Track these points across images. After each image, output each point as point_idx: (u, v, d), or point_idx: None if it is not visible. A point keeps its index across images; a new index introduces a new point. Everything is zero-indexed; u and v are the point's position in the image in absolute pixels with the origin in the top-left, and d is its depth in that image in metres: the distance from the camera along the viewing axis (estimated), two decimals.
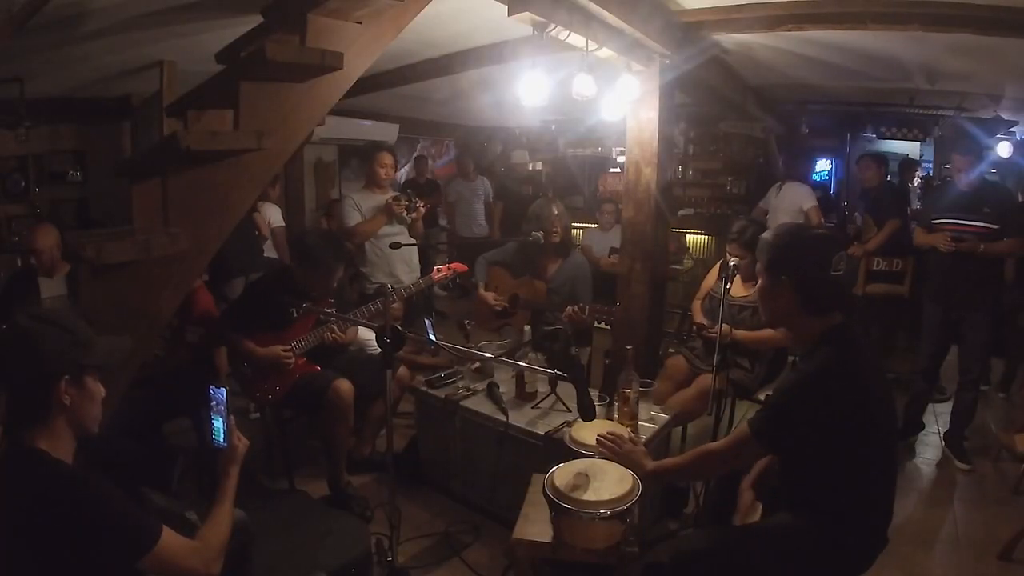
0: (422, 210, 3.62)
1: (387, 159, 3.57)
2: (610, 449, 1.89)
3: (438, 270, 3.18)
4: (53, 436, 1.25)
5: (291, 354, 2.68)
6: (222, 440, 1.53)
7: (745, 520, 1.86)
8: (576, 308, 2.91)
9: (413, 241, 3.59)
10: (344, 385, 2.68)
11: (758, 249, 1.69)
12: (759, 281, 1.69)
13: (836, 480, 1.53)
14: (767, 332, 2.86)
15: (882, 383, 1.62)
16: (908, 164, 6.30)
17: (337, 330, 2.81)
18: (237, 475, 1.51)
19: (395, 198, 3.50)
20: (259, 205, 4.53)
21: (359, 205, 3.53)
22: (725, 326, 2.65)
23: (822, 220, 4.82)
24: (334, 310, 2.81)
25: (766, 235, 1.69)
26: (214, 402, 1.55)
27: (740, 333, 2.85)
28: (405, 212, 3.53)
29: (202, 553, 1.32)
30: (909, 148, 6.79)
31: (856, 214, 5.01)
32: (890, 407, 1.63)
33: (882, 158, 4.57)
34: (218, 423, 1.54)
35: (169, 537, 1.26)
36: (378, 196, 3.57)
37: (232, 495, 1.48)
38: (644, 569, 1.84)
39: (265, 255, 4.57)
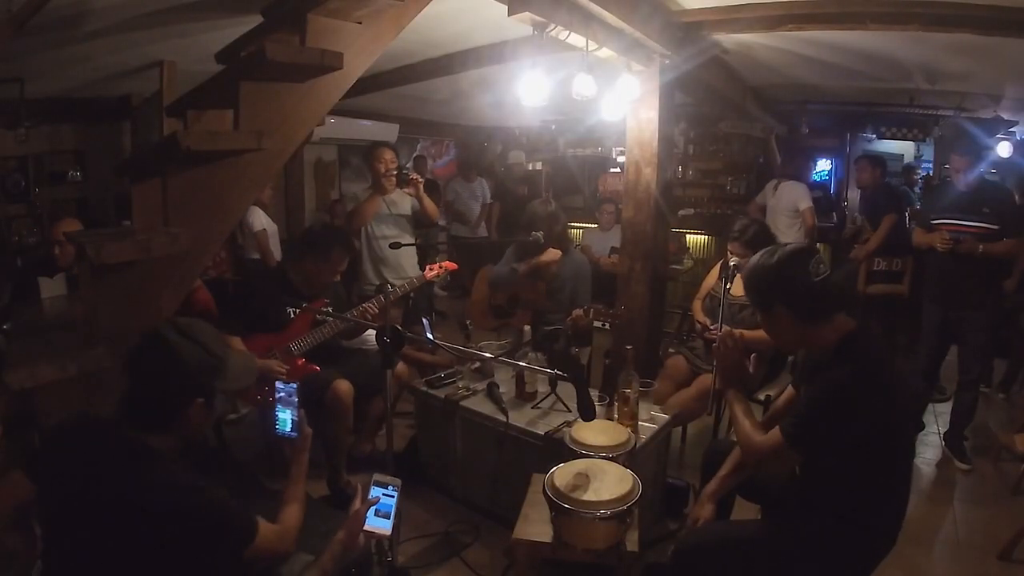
0: (418, 180, 3.48)
1: (387, 154, 3.50)
2: (724, 345, 1.84)
3: (430, 268, 3.19)
4: (166, 439, 1.30)
5: (284, 369, 2.60)
6: (289, 430, 1.67)
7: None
8: (581, 311, 2.92)
9: (412, 241, 3.58)
10: (343, 386, 2.67)
11: (746, 292, 1.74)
12: (760, 322, 1.72)
13: (856, 483, 1.54)
14: None
15: (905, 389, 1.63)
16: (908, 168, 6.32)
17: (375, 306, 2.77)
18: (306, 461, 1.62)
19: (384, 171, 3.43)
20: None
21: (358, 198, 3.53)
22: (725, 326, 2.65)
23: (815, 222, 4.75)
24: (330, 309, 2.81)
25: (745, 278, 1.73)
26: (283, 394, 1.68)
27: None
28: (397, 182, 3.44)
29: (285, 536, 1.43)
30: (907, 148, 6.79)
31: (856, 214, 5.01)
32: (909, 412, 1.65)
33: (878, 160, 4.56)
34: (285, 415, 1.68)
35: (264, 527, 1.35)
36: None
37: (304, 479, 1.58)
38: (644, 569, 1.84)
39: (249, 257, 4.53)
